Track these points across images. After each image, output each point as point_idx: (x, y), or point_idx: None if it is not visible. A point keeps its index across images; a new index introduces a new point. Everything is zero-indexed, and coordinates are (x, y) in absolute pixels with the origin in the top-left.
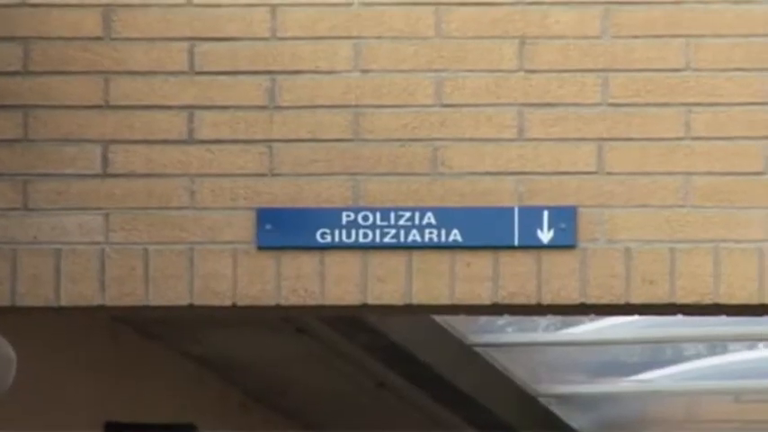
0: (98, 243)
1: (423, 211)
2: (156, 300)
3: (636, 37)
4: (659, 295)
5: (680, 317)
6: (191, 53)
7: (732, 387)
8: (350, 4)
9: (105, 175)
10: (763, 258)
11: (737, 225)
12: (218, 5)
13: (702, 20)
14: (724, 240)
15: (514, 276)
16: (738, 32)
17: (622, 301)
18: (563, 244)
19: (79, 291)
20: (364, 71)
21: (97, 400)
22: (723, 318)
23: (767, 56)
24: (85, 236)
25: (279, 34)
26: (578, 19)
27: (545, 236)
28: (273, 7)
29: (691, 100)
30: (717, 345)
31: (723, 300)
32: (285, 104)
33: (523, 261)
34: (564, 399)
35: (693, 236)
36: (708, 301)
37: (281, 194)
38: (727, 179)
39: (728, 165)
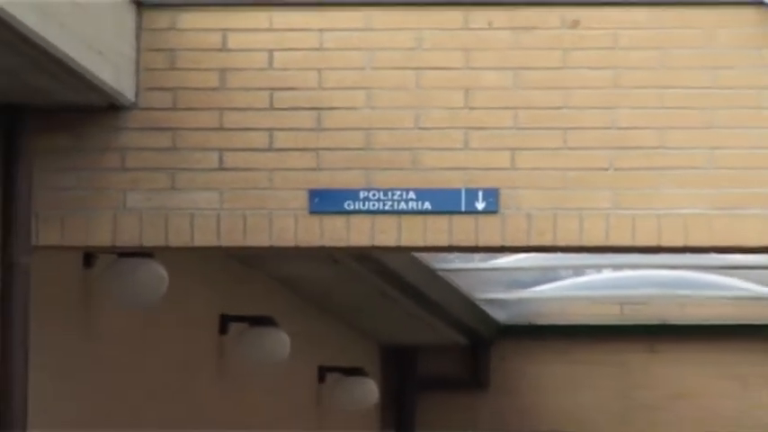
0: (215, 209)
1: (407, 191)
2: (250, 242)
3: (533, 88)
4: (547, 240)
5: (560, 254)
6: (271, 96)
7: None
8: (363, 68)
9: (220, 169)
10: (609, 218)
11: (597, 198)
12: (285, 69)
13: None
14: (588, 209)
15: (461, 230)
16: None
17: (525, 245)
18: (490, 210)
19: (205, 237)
20: (372, 108)
21: (215, 302)
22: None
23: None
24: (208, 205)
25: (322, 86)
26: (499, 77)
27: (480, 205)
28: (319, 71)
29: (565, 125)
30: (580, 270)
31: (585, 243)
32: (326, 127)
33: (467, 221)
34: (490, 302)
35: (567, 205)
36: (576, 243)
37: (323, 181)
38: (579, 173)
39: (581, 163)
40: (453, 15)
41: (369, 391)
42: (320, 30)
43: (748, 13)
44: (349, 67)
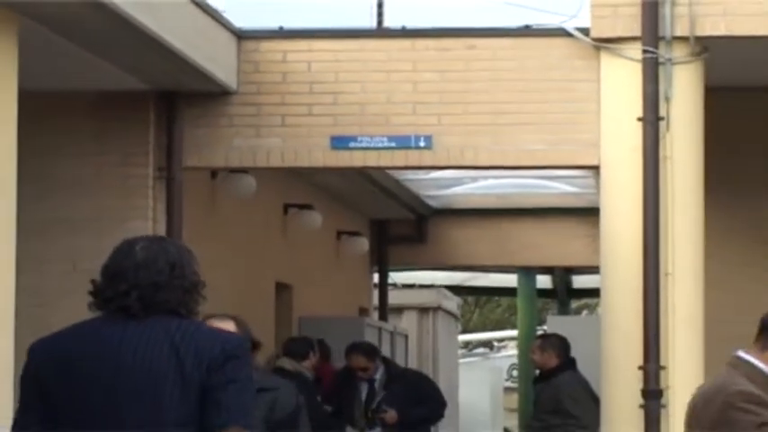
0: (280, 147)
1: (383, 137)
2: (299, 164)
3: (450, 81)
4: (458, 163)
5: (465, 170)
6: (310, 87)
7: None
8: (359, 71)
9: (282, 126)
10: (490, 150)
11: (483, 140)
12: (317, 72)
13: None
14: (478, 146)
15: (412, 157)
16: None
17: (446, 165)
18: (427, 147)
19: (274, 161)
20: (365, 93)
21: (280, 197)
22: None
23: None
24: (275, 145)
25: (338, 80)
26: (431, 76)
27: (422, 144)
28: (336, 73)
29: (466, 101)
30: (475, 178)
31: (478, 164)
32: (339, 103)
33: (415, 153)
34: (428, 196)
35: (468, 144)
36: (473, 164)
37: (337, 131)
38: (474, 128)
39: (474, 121)
40: (407, 42)
41: (363, 244)
42: (335, 50)
43: (558, 41)
44: (351, 70)
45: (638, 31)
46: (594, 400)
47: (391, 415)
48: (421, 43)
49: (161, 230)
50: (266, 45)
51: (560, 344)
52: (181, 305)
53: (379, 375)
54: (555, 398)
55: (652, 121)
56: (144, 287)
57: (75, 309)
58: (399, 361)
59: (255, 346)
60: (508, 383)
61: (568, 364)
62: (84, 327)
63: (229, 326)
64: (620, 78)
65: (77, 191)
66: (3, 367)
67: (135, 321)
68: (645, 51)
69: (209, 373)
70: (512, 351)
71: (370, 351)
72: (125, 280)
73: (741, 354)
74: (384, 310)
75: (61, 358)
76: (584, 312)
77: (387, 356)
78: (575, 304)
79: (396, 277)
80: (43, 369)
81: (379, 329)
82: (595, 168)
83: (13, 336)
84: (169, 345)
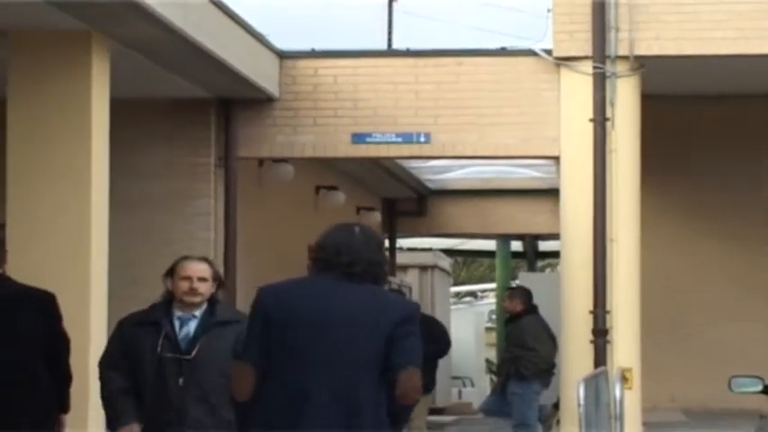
0: (312, 142)
1: (392, 133)
2: (327, 155)
3: (444, 90)
4: (450, 153)
5: (456, 159)
6: (335, 94)
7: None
8: (373, 83)
9: (314, 125)
10: (475, 145)
11: (469, 136)
12: (341, 83)
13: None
14: (465, 141)
15: (415, 149)
16: None
17: (441, 155)
18: (427, 142)
19: (307, 152)
20: (378, 99)
21: (313, 180)
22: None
23: None
24: (308, 141)
25: (356, 89)
26: (429, 87)
27: (422, 139)
28: (355, 84)
29: (457, 106)
30: (465, 166)
31: (467, 153)
32: (358, 107)
33: (417, 146)
34: (428, 180)
35: (458, 140)
36: (461, 154)
37: (357, 129)
38: (460, 126)
39: (463, 121)
40: (410, 60)
41: (376, 216)
42: (354, 66)
43: (527, 59)
44: (367, 82)
45: (589, 52)
46: (551, 338)
47: None
48: (421, 61)
49: (220, 207)
50: (301, 63)
51: (525, 294)
52: (379, 277)
53: None
54: (520, 335)
55: (600, 121)
56: (364, 261)
57: (149, 266)
58: None
59: (221, 284)
60: (488, 324)
61: (531, 309)
62: (306, 281)
63: (203, 266)
64: (576, 88)
65: (155, 176)
66: (97, 315)
67: (348, 284)
68: (595, 67)
69: (395, 327)
70: (491, 300)
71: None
72: (348, 253)
73: None
74: (393, 268)
75: (286, 301)
76: (548, 270)
77: None
78: (540, 263)
79: (402, 243)
80: (270, 308)
81: (390, 283)
82: (556, 158)
83: (106, 288)
84: (370, 305)
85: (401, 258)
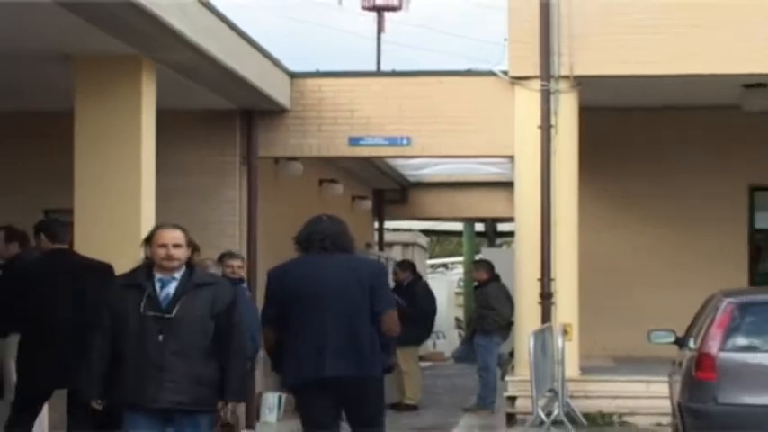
0: (318, 144)
1: (381, 137)
2: (330, 154)
3: (427, 100)
4: (427, 153)
5: (430, 158)
6: (335, 107)
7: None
8: (369, 96)
9: (319, 131)
10: (448, 146)
11: (443, 141)
12: (340, 99)
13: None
14: (436, 143)
15: (399, 150)
16: None
17: (419, 155)
18: (408, 144)
19: (314, 152)
20: (372, 110)
21: (318, 174)
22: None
23: None
24: (316, 142)
25: (353, 102)
26: (413, 101)
27: (404, 142)
28: (351, 98)
29: (436, 115)
30: (439, 162)
31: (441, 153)
32: (355, 117)
33: (400, 148)
34: (409, 174)
35: (431, 143)
36: (436, 154)
37: (353, 134)
38: (440, 131)
39: (442, 127)
40: (396, 79)
41: (368, 204)
42: (351, 84)
43: (489, 78)
44: (361, 96)
45: (537, 72)
46: (509, 300)
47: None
48: (404, 80)
49: (244, 197)
50: (308, 81)
51: (488, 265)
52: (346, 247)
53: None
54: (485, 298)
55: (546, 128)
56: (332, 236)
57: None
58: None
59: (195, 248)
60: (457, 290)
61: (494, 277)
62: (300, 259)
63: (177, 233)
64: (527, 101)
65: (192, 172)
66: None
67: (326, 255)
68: (542, 85)
69: (372, 278)
70: (460, 270)
71: (409, 265)
72: (319, 232)
73: None
74: (381, 244)
75: (289, 275)
76: (505, 246)
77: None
78: (499, 241)
79: (388, 224)
80: (279, 283)
81: (378, 257)
82: (511, 157)
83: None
84: (350, 266)
85: (388, 237)
